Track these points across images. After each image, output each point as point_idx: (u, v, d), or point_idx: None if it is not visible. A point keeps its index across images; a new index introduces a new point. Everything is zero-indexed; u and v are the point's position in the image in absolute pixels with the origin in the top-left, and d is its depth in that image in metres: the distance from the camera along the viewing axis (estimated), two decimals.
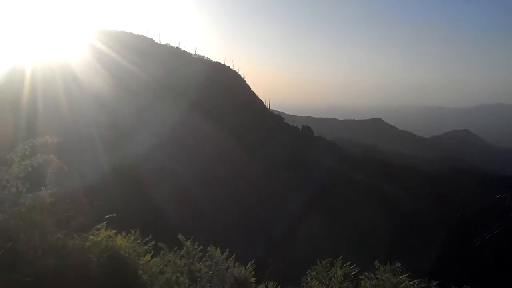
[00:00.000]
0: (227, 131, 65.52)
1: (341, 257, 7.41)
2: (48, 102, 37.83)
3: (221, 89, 79.61)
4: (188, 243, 7.15)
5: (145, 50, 73.79)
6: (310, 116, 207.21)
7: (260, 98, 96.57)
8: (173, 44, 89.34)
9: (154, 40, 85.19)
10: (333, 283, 6.91)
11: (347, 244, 52.37)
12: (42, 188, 5.89)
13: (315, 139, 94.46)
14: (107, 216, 6.10)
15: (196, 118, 62.96)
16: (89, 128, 43.00)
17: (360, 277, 7.14)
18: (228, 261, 7.51)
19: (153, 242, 6.72)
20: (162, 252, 6.94)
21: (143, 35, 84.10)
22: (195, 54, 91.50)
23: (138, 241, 6.30)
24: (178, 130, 57.68)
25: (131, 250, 6.07)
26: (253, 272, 7.57)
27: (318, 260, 7.26)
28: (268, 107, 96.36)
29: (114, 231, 6.12)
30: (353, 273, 7.07)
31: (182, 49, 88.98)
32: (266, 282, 7.65)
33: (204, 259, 7.29)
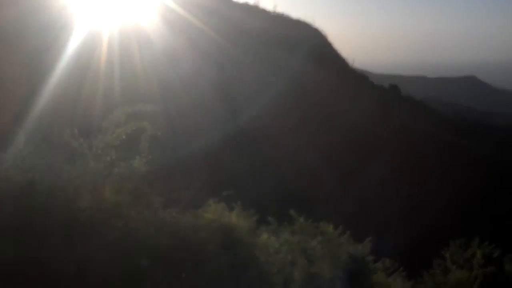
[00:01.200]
0: (309, 93, 64.43)
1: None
2: (138, 69, 38.35)
3: (303, 48, 78.20)
4: (301, 219, 6.59)
5: (222, 10, 73.38)
6: (397, 74, 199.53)
7: (344, 56, 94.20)
8: (251, 2, 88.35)
9: None
10: (473, 266, 6.08)
11: (450, 212, 50.43)
12: (136, 156, 5.55)
13: (403, 99, 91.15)
14: (225, 193, 5.62)
15: (278, 79, 62.34)
16: (189, 95, 43.00)
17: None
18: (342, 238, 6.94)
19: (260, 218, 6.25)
20: (270, 227, 6.42)
21: None
22: (275, 11, 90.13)
23: (254, 218, 5.77)
24: (263, 93, 57.22)
25: (247, 228, 5.57)
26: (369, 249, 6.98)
27: (452, 241, 6.45)
28: (351, 66, 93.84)
29: (226, 206, 5.65)
30: (495, 254, 6.21)
31: (261, 7, 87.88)
32: (383, 260, 7.04)
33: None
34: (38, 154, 5.17)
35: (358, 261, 6.88)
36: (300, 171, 46.93)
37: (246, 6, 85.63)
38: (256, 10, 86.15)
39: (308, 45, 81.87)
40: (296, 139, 51.02)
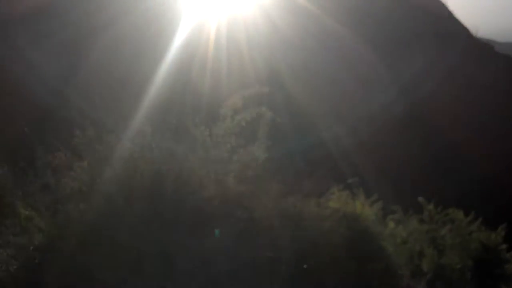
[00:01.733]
0: (423, 67, 61.39)
1: None
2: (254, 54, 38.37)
3: (418, 17, 74.75)
4: (431, 207, 6.22)
5: None
6: None
7: (466, 24, 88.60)
8: None
9: None
10: None
11: None
12: (256, 142, 5.49)
13: None
14: (350, 181, 5.43)
15: (391, 54, 60.01)
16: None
17: None
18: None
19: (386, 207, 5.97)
20: (396, 216, 6.12)
21: None
22: None
23: (379, 206, 5.53)
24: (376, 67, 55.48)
25: (372, 218, 5.34)
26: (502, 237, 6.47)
27: None
28: (475, 36, 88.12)
29: (352, 195, 5.45)
30: None
31: None
32: None
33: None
34: (164, 145, 5.30)
35: (490, 250, 6.43)
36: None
37: None
38: None
39: (423, 13, 78.01)
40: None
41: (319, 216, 5.08)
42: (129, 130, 5.39)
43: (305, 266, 4.76)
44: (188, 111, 5.84)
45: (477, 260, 6.24)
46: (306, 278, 4.64)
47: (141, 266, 4.29)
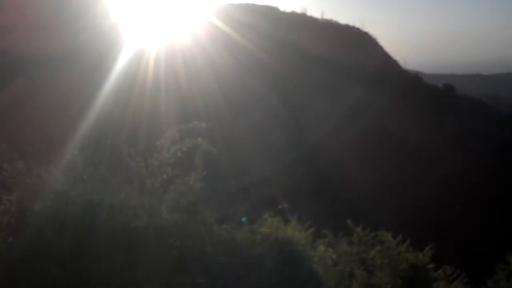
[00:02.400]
0: (361, 96, 63.50)
1: None
2: (190, 88, 38.51)
3: (352, 53, 77.33)
4: (359, 229, 6.45)
5: (269, 23, 73.35)
6: (452, 74, 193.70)
7: (396, 58, 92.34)
8: (298, 11, 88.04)
9: (278, 9, 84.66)
10: None
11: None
12: (192, 173, 5.59)
13: (458, 98, 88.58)
14: (280, 207, 5.58)
15: (326, 87, 61.68)
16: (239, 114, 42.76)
17: None
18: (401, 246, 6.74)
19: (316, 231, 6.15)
20: (326, 239, 6.31)
21: (267, 5, 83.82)
22: (322, 19, 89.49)
23: (310, 230, 5.70)
24: (319, 99, 56.62)
25: (303, 241, 5.50)
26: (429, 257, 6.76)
27: None
28: (404, 67, 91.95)
29: (282, 220, 5.60)
30: None
31: (308, 14, 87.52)
32: (444, 267, 6.79)
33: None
34: (96, 176, 5.30)
35: (418, 269, 6.70)
36: (350, 174, 46.18)
37: (293, 15, 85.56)
38: (303, 19, 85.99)
39: (358, 49, 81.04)
40: (351, 151, 50.10)
41: (251, 242, 5.18)
42: (61, 162, 5.36)
43: None
44: (125, 142, 5.88)
45: (406, 280, 6.49)
46: None
47: None
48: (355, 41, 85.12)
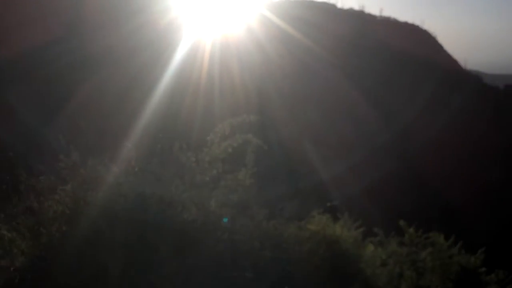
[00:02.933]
0: (422, 98, 61.84)
1: None
2: (240, 83, 38.46)
3: (412, 53, 75.59)
4: (412, 230, 6.29)
5: (326, 20, 72.47)
6: None
7: (456, 57, 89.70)
8: (356, 8, 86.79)
9: (336, 6, 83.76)
10: None
11: None
12: (242, 168, 5.59)
13: None
14: (329, 204, 5.52)
15: (390, 88, 60.39)
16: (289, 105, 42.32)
17: None
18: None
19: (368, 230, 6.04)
20: (376, 238, 6.18)
21: (324, 1, 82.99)
22: (381, 16, 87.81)
23: (360, 229, 5.60)
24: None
25: (352, 240, 5.41)
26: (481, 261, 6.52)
27: None
28: (464, 68, 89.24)
29: (331, 218, 5.53)
30: None
31: (367, 11, 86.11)
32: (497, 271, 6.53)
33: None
34: (148, 169, 5.38)
35: (470, 273, 6.48)
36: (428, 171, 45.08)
37: (351, 12, 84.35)
38: (362, 15, 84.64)
39: (417, 48, 79.15)
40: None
41: (298, 238, 5.14)
42: (115, 155, 5.48)
43: (285, 287, 4.81)
44: (178, 137, 5.95)
45: (457, 283, 6.29)
46: None
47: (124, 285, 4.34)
48: (416, 38, 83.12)
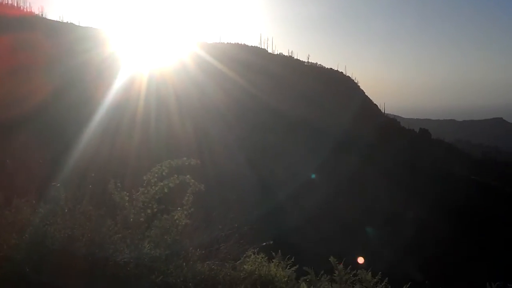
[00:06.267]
0: (342, 136, 63.91)
1: None
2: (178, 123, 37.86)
3: (335, 96, 78.34)
4: (341, 267, 6.18)
5: (259, 62, 73.97)
6: (427, 119, 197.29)
7: (375, 102, 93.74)
8: (286, 53, 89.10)
9: (267, 51, 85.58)
10: None
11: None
12: (178, 208, 5.34)
13: (433, 142, 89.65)
14: (264, 244, 5.32)
15: (311, 125, 62.03)
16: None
17: None
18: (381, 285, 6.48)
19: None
20: (308, 277, 6.02)
21: (256, 46, 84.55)
22: (308, 62, 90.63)
23: (293, 268, 5.42)
24: (295, 138, 56.72)
25: (286, 279, 5.22)
26: None
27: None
28: (383, 111, 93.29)
29: (266, 257, 5.33)
30: None
31: (295, 57, 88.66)
32: None
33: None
34: (78, 210, 5.02)
35: None
36: (335, 218, 45.76)
37: (281, 57, 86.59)
38: (291, 61, 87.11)
39: (340, 92, 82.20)
40: (330, 187, 49.81)
41: (234, 279, 4.90)
42: (43, 195, 5.09)
43: None
44: (112, 176, 5.63)
45: None
46: None
47: None
48: (338, 84, 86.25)
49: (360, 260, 6.54)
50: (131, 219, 5.19)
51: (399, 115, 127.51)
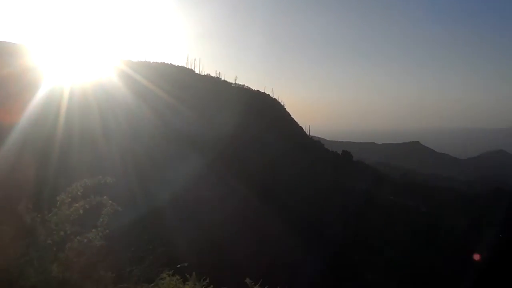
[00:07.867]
0: (267, 158, 64.65)
1: None
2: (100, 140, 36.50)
3: (262, 118, 79.18)
4: (256, 286, 6.21)
5: (185, 81, 73.54)
6: (349, 141, 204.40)
7: (300, 124, 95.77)
8: (213, 74, 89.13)
9: (194, 71, 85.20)
10: None
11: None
12: (93, 230, 5.18)
13: (354, 163, 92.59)
14: (179, 266, 5.24)
15: (236, 147, 62.17)
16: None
17: None
18: None
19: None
20: None
21: (183, 66, 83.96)
22: (235, 83, 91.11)
23: None
24: (221, 156, 56.44)
25: None
26: None
27: None
28: (308, 134, 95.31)
29: (180, 278, 5.25)
30: None
31: (222, 78, 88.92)
32: None
33: None
34: None
35: None
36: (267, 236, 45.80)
37: (208, 77, 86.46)
38: (218, 81, 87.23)
39: (267, 114, 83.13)
40: (261, 207, 49.93)
41: None
42: None
43: None
44: (25, 195, 5.37)
45: None
46: None
47: None
48: (266, 105, 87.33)
49: None
50: (41, 241, 4.95)
51: (323, 137, 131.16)
